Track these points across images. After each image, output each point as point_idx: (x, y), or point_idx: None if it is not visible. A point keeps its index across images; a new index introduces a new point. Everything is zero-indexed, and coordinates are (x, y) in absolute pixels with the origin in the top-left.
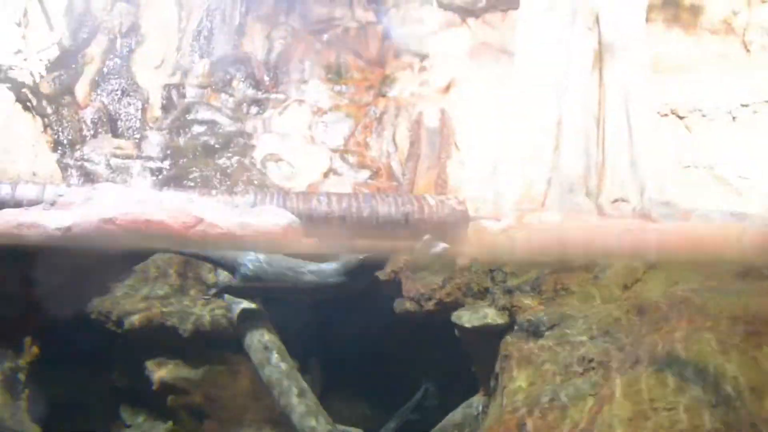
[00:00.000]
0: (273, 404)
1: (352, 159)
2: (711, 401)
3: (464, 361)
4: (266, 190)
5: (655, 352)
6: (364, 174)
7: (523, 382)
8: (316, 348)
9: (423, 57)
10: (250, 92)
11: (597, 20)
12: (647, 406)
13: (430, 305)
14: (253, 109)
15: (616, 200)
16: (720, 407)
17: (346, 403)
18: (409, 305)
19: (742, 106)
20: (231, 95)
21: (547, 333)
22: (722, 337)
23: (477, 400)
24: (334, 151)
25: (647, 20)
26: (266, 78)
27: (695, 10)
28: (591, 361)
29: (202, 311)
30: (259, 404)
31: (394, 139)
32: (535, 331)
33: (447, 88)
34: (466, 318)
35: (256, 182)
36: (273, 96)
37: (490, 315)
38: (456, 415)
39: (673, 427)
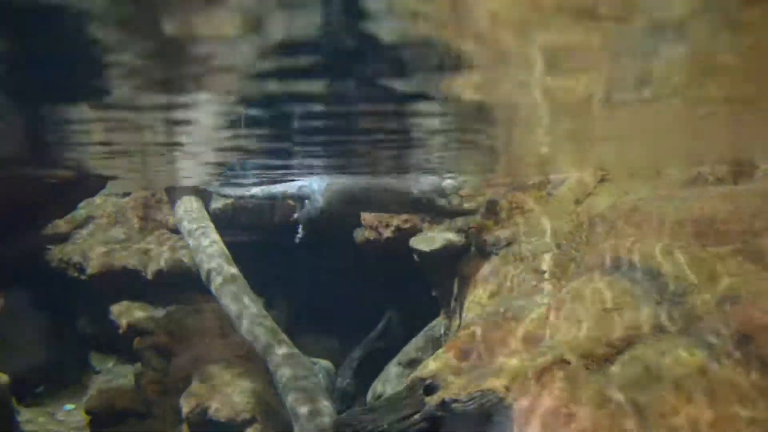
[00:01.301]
0: (240, 340)
1: None
2: (656, 299)
3: (425, 286)
4: None
5: (604, 260)
6: None
7: (480, 298)
8: (281, 284)
9: None
10: None
11: None
12: (595, 308)
13: (388, 232)
14: None
15: None
16: (664, 303)
17: (313, 336)
18: (368, 234)
19: None
20: None
21: (502, 251)
22: (667, 240)
23: (438, 323)
24: None
25: None
26: None
27: None
28: (544, 272)
29: (162, 252)
30: (227, 341)
31: None
32: (491, 250)
33: None
34: (425, 242)
35: None
36: None
37: (447, 238)
38: (419, 340)
39: (618, 325)
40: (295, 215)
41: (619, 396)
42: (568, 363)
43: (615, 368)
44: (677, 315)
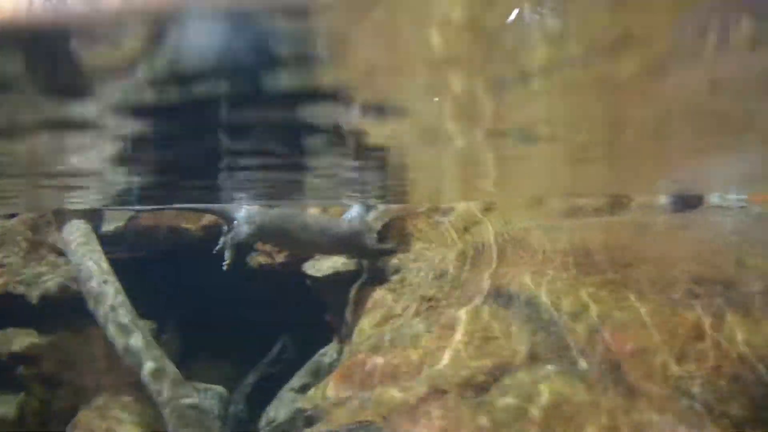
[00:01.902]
0: (130, 368)
1: None
2: (534, 328)
3: (319, 312)
4: None
5: (486, 288)
6: None
7: (369, 325)
8: (172, 309)
9: None
10: None
11: None
12: (475, 337)
13: (281, 257)
14: None
15: None
16: (540, 332)
17: (206, 361)
18: (261, 258)
19: None
20: None
21: (392, 277)
22: (545, 270)
23: (331, 348)
24: None
25: None
26: None
27: None
28: (429, 300)
29: (49, 276)
30: (115, 369)
31: None
32: (381, 277)
33: None
34: (317, 267)
35: None
36: None
37: (339, 263)
38: (312, 365)
39: (495, 353)
40: (221, 241)
41: (492, 423)
42: (445, 392)
43: (490, 397)
44: (551, 343)
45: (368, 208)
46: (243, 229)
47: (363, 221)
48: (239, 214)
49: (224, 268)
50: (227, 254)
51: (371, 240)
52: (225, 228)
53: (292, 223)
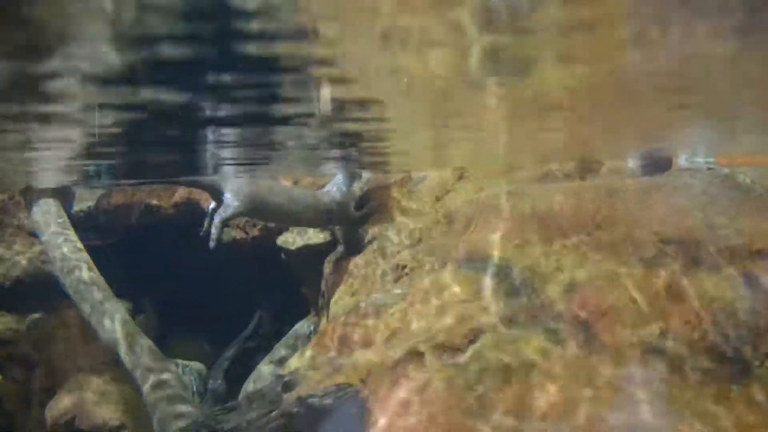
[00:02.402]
0: (107, 347)
1: None
2: (505, 291)
3: (295, 285)
4: None
5: (460, 254)
6: None
7: (345, 294)
8: (147, 287)
9: None
10: None
11: None
12: (449, 301)
13: (255, 231)
14: None
15: None
16: (513, 295)
17: (184, 338)
18: (235, 233)
19: None
20: None
21: (366, 247)
22: (517, 234)
23: (308, 321)
24: None
25: None
26: None
27: None
28: (404, 268)
29: (21, 258)
30: (92, 348)
31: None
32: (355, 247)
33: None
34: (291, 240)
35: None
36: None
37: (313, 235)
38: (289, 338)
39: (470, 316)
40: (207, 218)
41: (468, 384)
42: (422, 355)
43: (465, 358)
44: (524, 306)
45: (352, 177)
46: (232, 205)
47: (348, 191)
48: (227, 189)
49: (211, 246)
50: (214, 231)
51: (354, 209)
52: (212, 205)
53: (279, 197)
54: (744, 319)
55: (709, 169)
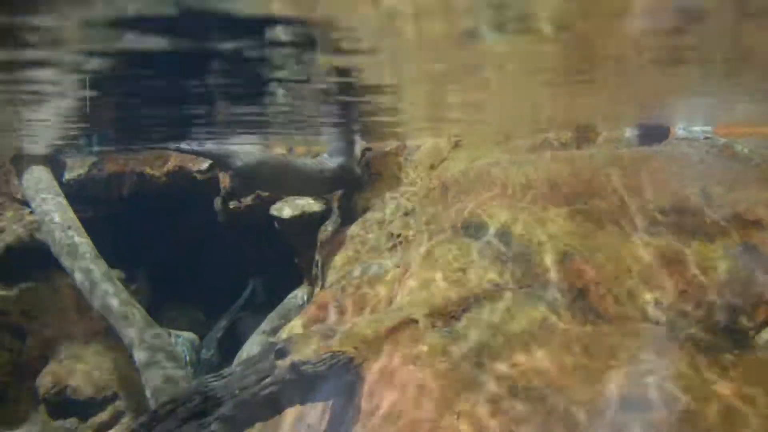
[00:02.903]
0: (99, 316)
1: None
2: (501, 258)
3: (288, 254)
4: None
5: (455, 222)
6: None
7: (338, 263)
8: (141, 256)
9: None
10: None
11: None
12: (444, 269)
13: (248, 200)
14: None
15: None
16: (509, 263)
17: (177, 308)
18: (228, 202)
19: None
20: None
21: (361, 216)
22: (513, 203)
23: (301, 291)
24: None
25: None
26: None
27: None
28: (398, 236)
29: (12, 226)
30: (84, 317)
31: None
32: (349, 216)
33: None
34: (284, 209)
35: None
36: None
37: (306, 204)
38: (283, 308)
39: (465, 284)
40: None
41: (462, 351)
42: (416, 322)
43: (460, 325)
44: (520, 273)
45: (351, 142)
46: (234, 163)
47: (351, 156)
48: (235, 160)
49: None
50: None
51: (359, 170)
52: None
53: (286, 167)
54: (740, 289)
55: (707, 138)
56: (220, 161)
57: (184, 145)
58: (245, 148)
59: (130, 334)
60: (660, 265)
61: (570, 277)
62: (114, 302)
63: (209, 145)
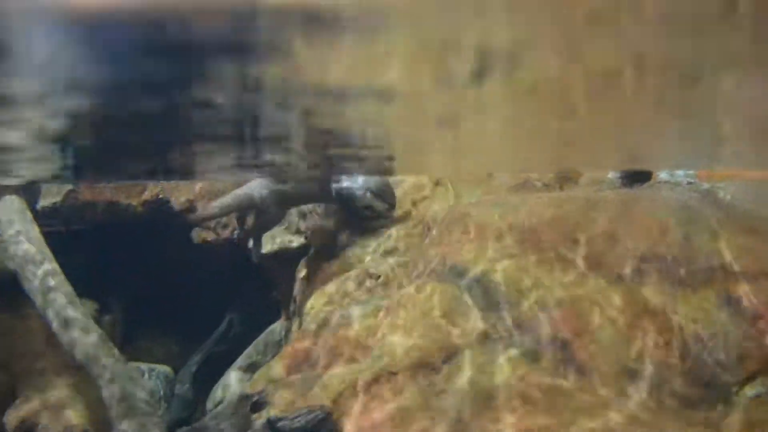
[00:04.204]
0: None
1: None
2: (481, 307)
3: (266, 288)
4: None
5: (436, 265)
6: None
7: (317, 303)
8: (116, 286)
9: None
10: None
11: None
12: (425, 315)
13: (227, 233)
14: None
15: None
16: (491, 311)
17: (151, 340)
18: (206, 234)
19: None
20: None
21: (341, 254)
22: (495, 247)
23: (279, 326)
24: None
25: None
26: None
27: None
28: (378, 278)
29: None
30: (55, 350)
31: None
32: (328, 253)
33: None
34: (263, 243)
35: None
36: None
37: (285, 239)
38: (259, 343)
39: (446, 333)
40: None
41: (443, 406)
42: (395, 374)
43: (441, 377)
44: (501, 322)
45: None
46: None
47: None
48: (261, 193)
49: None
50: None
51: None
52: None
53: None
54: (723, 344)
55: (689, 183)
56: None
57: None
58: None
59: (101, 373)
60: (642, 315)
61: (551, 328)
62: (85, 338)
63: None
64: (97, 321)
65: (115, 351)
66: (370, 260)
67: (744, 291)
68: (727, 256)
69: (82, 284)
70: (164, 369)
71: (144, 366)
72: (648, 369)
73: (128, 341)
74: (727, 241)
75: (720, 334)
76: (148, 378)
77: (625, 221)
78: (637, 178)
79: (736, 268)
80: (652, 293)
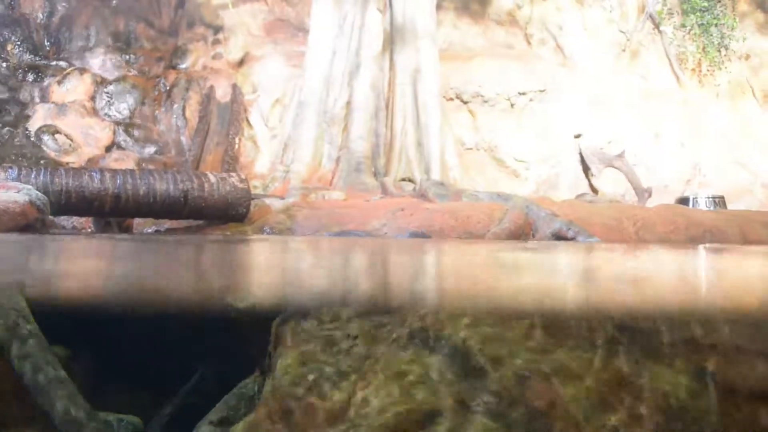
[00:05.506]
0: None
1: (137, 133)
2: (459, 374)
3: (240, 341)
4: (32, 165)
5: (412, 329)
6: (151, 149)
7: (292, 361)
8: (86, 334)
9: (217, 29)
10: (27, 58)
11: (389, 3)
12: (403, 380)
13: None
14: (30, 77)
15: (403, 179)
16: (466, 379)
17: (121, 392)
18: None
19: (520, 94)
20: (5, 60)
21: (316, 313)
22: (471, 313)
23: (252, 382)
24: (119, 124)
25: (438, 7)
26: (46, 43)
27: (484, 1)
28: (355, 338)
29: None
30: (23, 400)
31: (183, 113)
32: (305, 311)
33: (240, 63)
34: (239, 297)
35: (28, 155)
36: (53, 63)
37: (261, 294)
38: (231, 398)
39: (421, 400)
40: None
41: None
42: None
43: None
44: (477, 390)
45: None
46: None
47: None
48: None
49: None
50: None
51: None
52: None
53: None
54: (696, 417)
55: None
56: None
57: None
58: None
59: (67, 422)
60: (617, 385)
61: (528, 397)
62: (54, 391)
63: None
64: (68, 369)
65: (85, 405)
66: (347, 319)
67: (715, 364)
68: (700, 330)
69: (51, 329)
70: (134, 420)
71: (113, 417)
72: None
73: (97, 390)
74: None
75: (693, 410)
76: (117, 429)
77: (602, 289)
78: None
79: (708, 341)
80: (625, 363)
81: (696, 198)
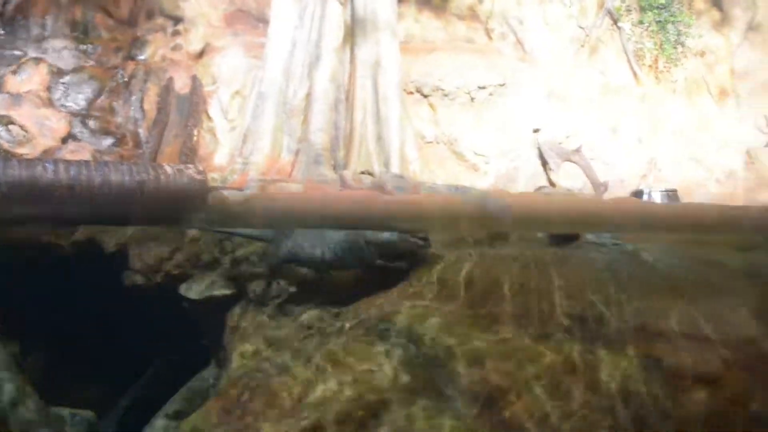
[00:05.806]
0: None
1: (94, 124)
2: (410, 362)
3: (196, 334)
4: None
5: (369, 319)
6: (108, 141)
7: (247, 351)
8: (38, 327)
9: (177, 20)
10: None
11: None
12: (355, 369)
13: (158, 278)
14: None
15: (362, 172)
16: (417, 366)
17: (75, 384)
18: (137, 278)
19: (480, 88)
20: None
21: (271, 303)
22: (421, 302)
23: (208, 373)
24: (75, 115)
25: (400, 0)
26: (1, 31)
27: None
28: (310, 328)
29: None
30: None
31: (141, 105)
32: (261, 302)
33: (200, 54)
34: (194, 290)
35: None
36: (7, 53)
37: (217, 286)
38: (187, 390)
39: (375, 387)
40: None
41: None
42: (324, 429)
43: None
44: (427, 378)
45: None
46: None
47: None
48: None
49: None
50: None
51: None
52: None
53: None
54: (644, 402)
55: (615, 244)
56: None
57: None
58: None
59: (20, 422)
60: (566, 372)
61: (478, 384)
62: (4, 385)
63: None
64: (19, 363)
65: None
66: (303, 310)
67: (663, 351)
68: (648, 317)
69: (4, 324)
70: (88, 414)
71: (66, 411)
72: (571, 426)
73: (50, 384)
74: (649, 301)
75: (641, 395)
76: (71, 424)
77: (552, 279)
78: (565, 237)
79: (657, 329)
80: (575, 350)
81: (650, 191)
